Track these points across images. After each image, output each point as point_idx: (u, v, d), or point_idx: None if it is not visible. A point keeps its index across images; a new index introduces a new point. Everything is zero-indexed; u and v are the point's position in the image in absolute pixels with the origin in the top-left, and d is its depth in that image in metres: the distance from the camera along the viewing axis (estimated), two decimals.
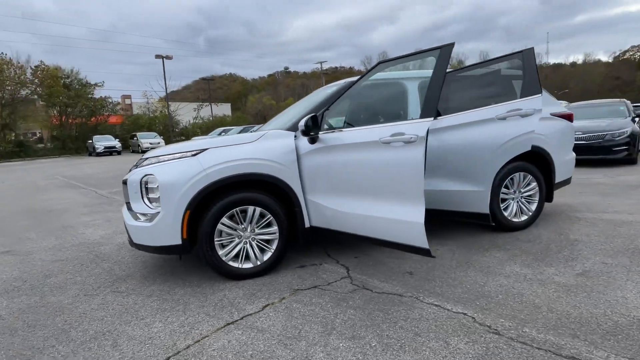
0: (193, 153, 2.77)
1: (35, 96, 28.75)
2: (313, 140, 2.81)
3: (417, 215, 2.29)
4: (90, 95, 31.34)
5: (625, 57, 61.19)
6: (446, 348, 1.88)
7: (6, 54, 26.49)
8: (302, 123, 2.68)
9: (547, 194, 3.84)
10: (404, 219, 2.36)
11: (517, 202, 3.68)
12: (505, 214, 3.60)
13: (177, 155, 2.78)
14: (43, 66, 28.24)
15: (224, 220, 2.76)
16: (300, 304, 2.45)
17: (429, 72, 3.41)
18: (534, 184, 3.68)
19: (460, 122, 3.12)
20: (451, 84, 3.36)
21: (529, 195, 3.73)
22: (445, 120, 3.23)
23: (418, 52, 2.64)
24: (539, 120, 3.59)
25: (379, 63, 2.80)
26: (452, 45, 2.38)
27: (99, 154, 25.10)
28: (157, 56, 30.09)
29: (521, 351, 1.82)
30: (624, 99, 9.37)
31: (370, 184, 2.52)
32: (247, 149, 2.82)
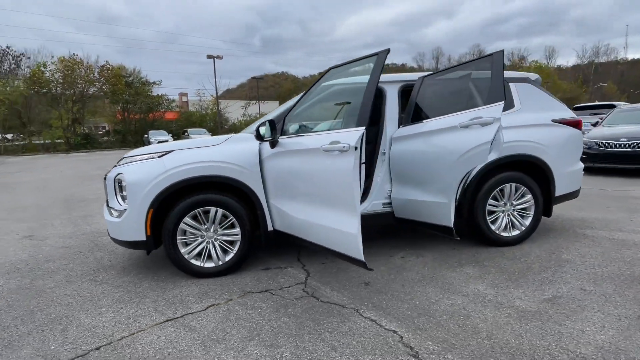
0: (160, 154, 2.91)
1: (102, 93, 31.56)
2: (273, 145, 2.83)
3: (351, 225, 2.22)
4: (149, 93, 33.77)
5: None
6: None
7: (77, 55, 29.38)
8: (253, 128, 2.70)
9: (545, 208, 3.51)
10: (341, 229, 2.30)
11: (508, 215, 3.40)
12: (493, 227, 3.35)
13: (146, 156, 2.94)
14: (108, 66, 30.95)
15: (187, 219, 2.87)
16: (242, 306, 2.49)
17: (413, 76, 3.30)
18: (529, 196, 3.38)
19: (426, 129, 2.96)
20: (428, 89, 3.19)
21: (523, 209, 3.43)
22: (412, 127, 3.07)
23: (361, 58, 2.54)
24: (536, 128, 3.34)
25: (330, 69, 2.74)
26: (387, 50, 2.27)
27: None
28: (209, 56, 31.61)
29: None
30: None
31: (316, 191, 2.49)
32: (211, 151, 2.91)
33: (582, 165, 3.67)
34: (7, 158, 22.52)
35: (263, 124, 2.74)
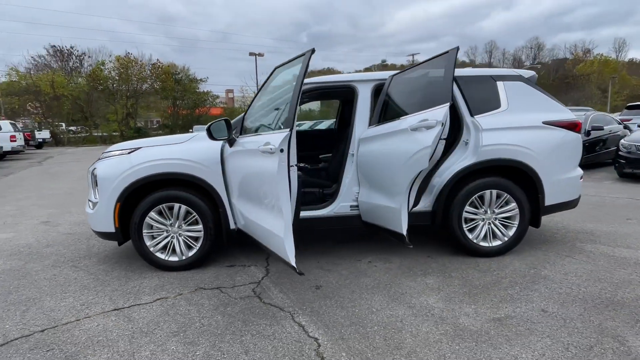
0: (129, 151, 3.05)
1: (153, 90, 33.63)
2: (231, 144, 2.85)
3: (280, 228, 2.18)
4: (196, 90, 35.45)
5: None
6: None
7: (131, 54, 31.54)
8: (206, 127, 2.74)
9: (532, 218, 3.21)
10: (273, 231, 2.27)
11: (490, 224, 3.15)
12: (470, 236, 3.13)
13: (117, 152, 3.10)
14: (159, 64, 32.92)
15: (152, 214, 2.99)
16: (186, 302, 2.55)
17: (384, 75, 3.17)
18: (513, 204, 3.11)
19: (384, 131, 2.81)
20: (394, 88, 3.02)
21: (507, 218, 3.16)
22: (376, 129, 2.93)
23: (295, 57, 2.45)
24: (524, 131, 3.08)
25: (275, 68, 2.69)
26: (312, 50, 2.17)
27: None
28: (251, 54, 32.45)
29: None
30: None
31: (256, 192, 2.48)
32: (175, 149, 3.00)
33: (580, 172, 3.30)
34: (67, 149, 24.77)
35: (214, 122, 2.77)
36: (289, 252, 2.16)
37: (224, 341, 2.07)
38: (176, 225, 3.04)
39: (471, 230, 3.16)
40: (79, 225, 4.71)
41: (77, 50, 31.04)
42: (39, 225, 4.78)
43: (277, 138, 2.11)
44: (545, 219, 4.26)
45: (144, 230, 3.01)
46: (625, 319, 2.15)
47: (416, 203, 2.73)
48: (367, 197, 3.01)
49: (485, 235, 3.16)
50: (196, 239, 3.07)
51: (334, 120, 5.09)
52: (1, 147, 14.05)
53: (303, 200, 3.34)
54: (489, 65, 64.55)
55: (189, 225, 3.05)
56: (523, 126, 3.09)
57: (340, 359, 1.88)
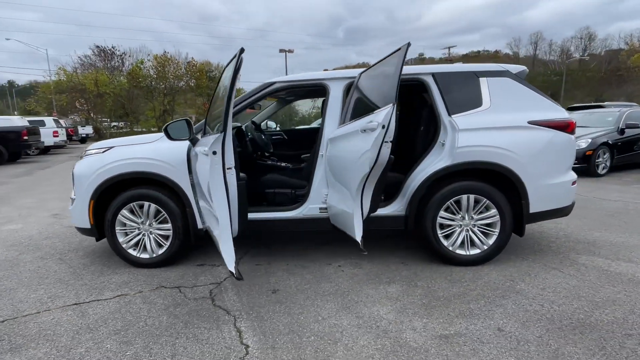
0: (103, 150, 3.14)
1: (187, 87, 34.92)
2: (194, 144, 2.85)
3: (219, 232, 2.14)
4: None
5: None
6: None
7: (168, 52, 32.89)
8: (164, 127, 2.74)
9: (516, 226, 2.96)
10: (216, 235, 2.24)
11: (467, 231, 2.95)
12: (445, 243, 2.94)
13: (94, 151, 3.20)
14: (194, 62, 34.05)
15: (124, 212, 3.07)
16: (142, 300, 2.59)
17: (354, 72, 3.04)
18: (493, 210, 2.88)
19: (343, 132, 2.67)
20: (361, 86, 2.87)
21: (487, 225, 2.94)
22: (340, 129, 2.80)
23: (232, 58, 2.35)
24: (505, 131, 2.84)
25: (223, 69, 2.63)
26: (241, 50, 2.08)
27: None
28: (281, 50, 32.75)
29: None
30: None
31: (205, 194, 2.45)
32: (144, 148, 3.05)
33: (572, 176, 2.99)
34: None
35: (173, 122, 2.77)
36: (226, 257, 2.12)
37: (158, 343, 2.07)
38: (147, 224, 3.10)
39: (447, 236, 2.97)
40: None
41: (119, 50, 32.68)
42: (48, 218, 5.08)
43: (210, 140, 2.08)
44: (545, 225, 3.95)
45: (117, 227, 3.09)
46: (589, 344, 1.92)
47: (372, 209, 2.59)
48: (332, 200, 2.91)
49: (462, 243, 2.96)
50: (166, 237, 3.11)
51: None
52: (43, 142, 15.09)
53: (275, 201, 3.30)
54: (534, 58, 60.90)
55: (159, 223, 3.10)
56: (505, 126, 2.85)
57: None
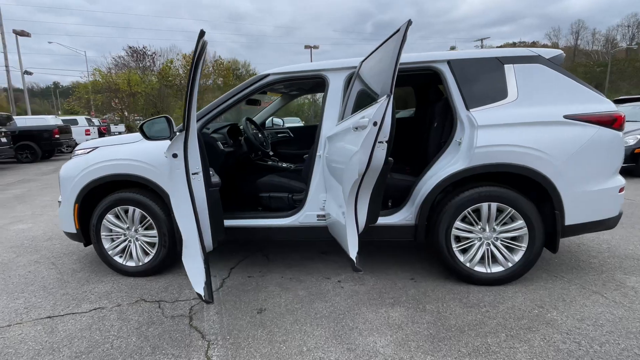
0: (88, 150, 2.95)
1: (216, 85, 35.42)
2: None
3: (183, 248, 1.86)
4: None
5: None
6: None
7: None
8: (139, 125, 2.49)
9: (548, 240, 2.49)
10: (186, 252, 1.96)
11: (489, 245, 2.52)
12: (462, 258, 2.53)
13: (80, 151, 3.01)
14: (220, 60, 34.49)
15: (109, 217, 2.86)
16: (118, 316, 2.36)
17: (356, 61, 2.68)
18: (520, 222, 2.44)
19: (338, 130, 2.31)
20: (361, 75, 2.48)
21: (512, 238, 2.50)
22: (338, 126, 2.45)
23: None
24: (536, 128, 2.38)
25: None
26: (201, 33, 1.75)
27: None
28: (306, 46, 32.49)
29: None
30: None
31: None
32: (126, 149, 2.83)
33: (620, 182, 2.48)
34: None
35: (150, 120, 2.51)
36: (192, 277, 1.84)
37: None
38: (132, 230, 2.88)
39: (464, 251, 2.55)
40: None
41: (150, 50, 33.62)
42: (57, 217, 5.04)
43: (173, 142, 1.79)
44: (584, 236, 3.41)
45: (102, 233, 2.90)
46: None
47: (371, 220, 2.21)
48: (329, 207, 2.56)
49: (482, 259, 2.53)
50: (153, 244, 2.88)
51: None
52: (74, 140, 15.64)
53: (271, 207, 2.99)
54: (575, 48, 57.16)
55: (145, 229, 2.87)
56: (535, 121, 2.38)
57: None
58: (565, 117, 2.37)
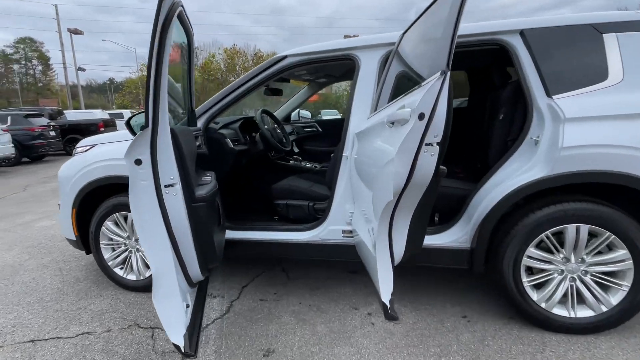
0: (87, 148, 2.62)
1: None
2: None
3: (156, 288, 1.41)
4: None
5: None
6: None
7: (236, 45, 33.76)
8: (126, 120, 2.07)
9: None
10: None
11: (573, 279, 1.86)
12: (534, 296, 1.90)
13: (80, 149, 2.69)
14: (260, 53, 34.49)
15: (107, 224, 2.52)
16: (103, 346, 1.99)
17: (394, 37, 2.11)
18: (623, 252, 1.76)
19: (372, 123, 1.73)
20: (403, 51, 1.88)
21: (609, 273, 1.82)
22: (369, 120, 1.88)
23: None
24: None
25: None
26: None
27: None
28: (345, 36, 31.61)
29: None
30: None
31: None
32: (121, 147, 2.44)
33: None
34: None
35: (138, 114, 2.09)
36: (165, 323, 1.39)
37: None
38: (132, 239, 2.53)
39: (538, 287, 1.92)
40: None
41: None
42: None
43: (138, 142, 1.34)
44: None
45: (102, 242, 2.57)
46: None
47: (413, 249, 1.64)
48: (357, 223, 2.02)
49: (564, 298, 1.88)
50: None
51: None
52: None
53: (289, 217, 2.51)
54: None
55: None
56: None
57: None
58: None
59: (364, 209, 1.92)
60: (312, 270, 2.80)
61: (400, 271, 1.58)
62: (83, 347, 1.99)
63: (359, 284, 2.56)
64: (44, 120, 11.74)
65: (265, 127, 2.88)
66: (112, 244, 2.58)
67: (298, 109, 4.02)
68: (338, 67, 3.00)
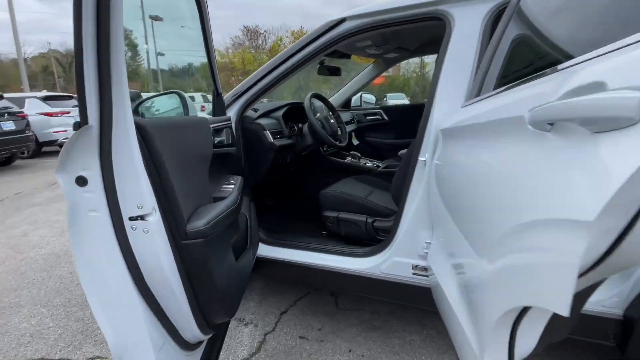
0: None
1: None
2: None
3: None
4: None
5: None
6: None
7: (303, 28, 33.47)
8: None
9: None
10: None
11: None
12: None
13: None
14: None
15: None
16: None
17: None
18: None
19: (474, 120, 1.02)
20: (535, 7, 1.13)
21: None
22: (469, 109, 1.17)
23: None
24: None
25: None
26: None
27: None
28: None
29: None
30: None
31: None
32: None
33: None
34: None
35: (146, 100, 1.62)
36: None
37: None
38: None
39: None
40: None
41: (262, 29, 34.98)
42: None
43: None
44: None
45: None
46: None
47: (559, 334, 0.96)
48: (437, 261, 1.36)
49: None
50: None
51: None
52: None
53: (340, 234, 1.94)
54: None
55: None
56: None
57: None
58: None
59: (446, 241, 1.27)
60: (368, 300, 2.22)
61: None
62: None
63: (431, 329, 1.92)
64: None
65: (317, 115, 2.30)
66: None
67: (360, 93, 3.36)
68: (417, 32, 2.28)
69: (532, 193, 0.64)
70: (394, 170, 2.35)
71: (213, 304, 1.15)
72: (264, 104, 2.28)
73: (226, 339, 1.90)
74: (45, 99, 9.44)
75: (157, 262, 0.94)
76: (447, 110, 1.43)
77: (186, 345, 1.15)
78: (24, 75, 15.87)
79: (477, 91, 1.28)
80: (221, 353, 1.77)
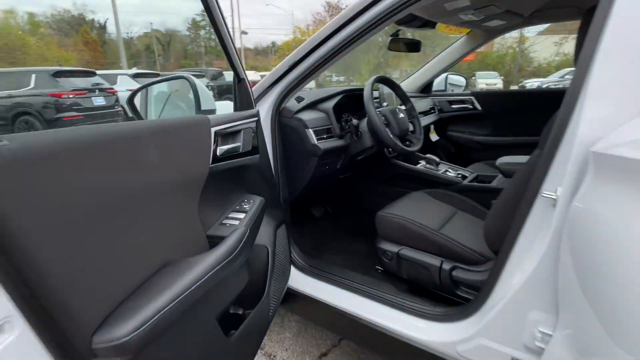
0: None
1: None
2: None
3: None
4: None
5: None
6: None
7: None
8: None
9: None
10: None
11: None
12: None
13: None
14: None
15: None
16: None
17: None
18: None
19: None
20: None
21: None
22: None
23: None
24: None
25: None
26: None
27: None
28: None
29: None
30: None
31: None
32: None
33: None
34: None
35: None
36: None
37: None
38: None
39: None
40: None
41: (343, 4, 33.97)
42: None
43: None
44: None
45: None
46: None
47: None
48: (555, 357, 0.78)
49: None
50: None
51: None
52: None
53: (400, 275, 1.41)
54: None
55: None
56: None
57: None
58: None
59: (586, 345, 0.69)
60: None
61: None
62: None
63: None
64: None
65: (383, 105, 1.73)
66: None
67: (446, 74, 2.65)
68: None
69: None
70: (488, 186, 1.71)
71: None
72: (312, 90, 1.79)
73: None
74: (135, 76, 10.16)
75: None
76: (607, 118, 0.79)
77: None
78: (123, 53, 17.52)
79: None
80: None
